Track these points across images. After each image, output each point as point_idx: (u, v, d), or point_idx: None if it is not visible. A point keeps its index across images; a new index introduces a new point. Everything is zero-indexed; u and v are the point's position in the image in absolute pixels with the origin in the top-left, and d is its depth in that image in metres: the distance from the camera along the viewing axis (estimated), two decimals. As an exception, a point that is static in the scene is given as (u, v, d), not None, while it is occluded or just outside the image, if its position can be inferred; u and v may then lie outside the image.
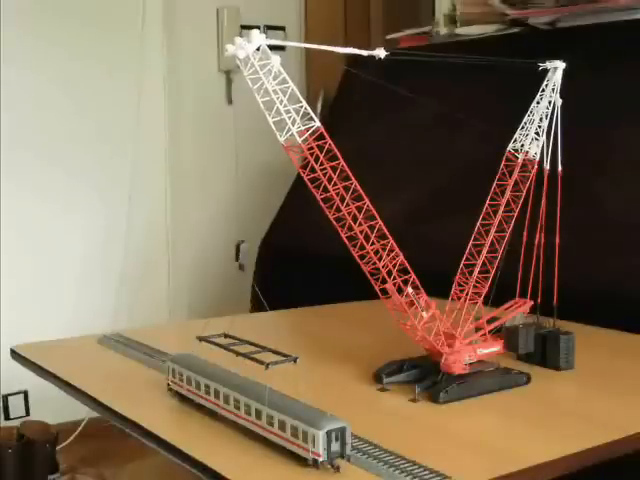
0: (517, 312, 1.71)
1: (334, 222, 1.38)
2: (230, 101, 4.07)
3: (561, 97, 1.66)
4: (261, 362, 1.36)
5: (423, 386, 1.53)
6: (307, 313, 2.40)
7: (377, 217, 1.39)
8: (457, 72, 2.50)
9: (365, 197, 1.38)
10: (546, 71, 1.66)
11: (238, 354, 1.43)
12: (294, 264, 2.97)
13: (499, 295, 1.67)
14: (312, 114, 1.33)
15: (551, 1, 2.77)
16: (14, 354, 1.90)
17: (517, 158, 1.63)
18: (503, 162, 1.63)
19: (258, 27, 4.02)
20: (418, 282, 1.45)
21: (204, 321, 2.36)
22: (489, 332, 1.62)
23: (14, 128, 3.60)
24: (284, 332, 2.25)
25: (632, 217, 2.23)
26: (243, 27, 4.03)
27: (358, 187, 1.37)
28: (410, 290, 1.43)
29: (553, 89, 1.65)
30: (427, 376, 1.56)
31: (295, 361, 1.39)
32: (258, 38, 1.31)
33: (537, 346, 1.71)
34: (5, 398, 3.57)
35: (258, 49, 1.32)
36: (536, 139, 1.65)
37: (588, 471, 1.29)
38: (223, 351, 1.49)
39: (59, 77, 3.71)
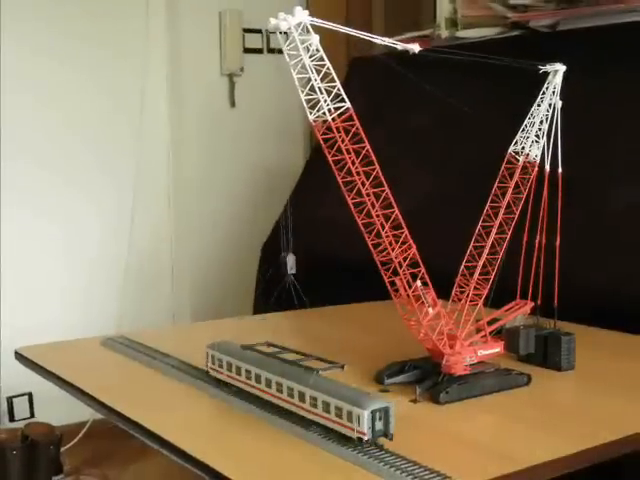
0: (518, 313, 1.72)
1: (352, 207, 1.39)
2: (233, 104, 4.08)
3: (561, 99, 1.67)
4: (311, 369, 1.40)
5: (424, 387, 1.54)
6: (309, 315, 2.41)
7: (394, 206, 1.40)
8: (458, 74, 2.51)
9: (385, 184, 1.39)
10: (547, 74, 1.67)
11: (286, 362, 1.46)
12: (296, 266, 2.97)
13: (500, 297, 1.68)
14: (344, 95, 1.35)
15: (551, 4, 2.78)
16: (18, 356, 1.91)
17: (518, 160, 1.63)
18: (504, 164, 1.64)
19: (260, 31, 4.04)
20: (427, 278, 1.46)
21: (208, 323, 2.37)
22: (490, 333, 1.63)
23: (16, 133, 3.61)
24: (286, 333, 2.25)
25: (631, 218, 2.24)
26: (245, 30, 4.04)
27: (380, 174, 1.38)
28: (419, 284, 1.44)
29: (554, 92, 1.66)
30: (428, 377, 1.56)
31: (342, 368, 1.43)
32: (301, 14, 1.33)
33: (538, 347, 1.71)
34: (10, 400, 3.58)
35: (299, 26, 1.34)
36: (536, 141, 1.66)
37: (588, 471, 1.30)
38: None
39: (63, 80, 3.72)
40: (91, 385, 1.66)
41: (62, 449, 3.21)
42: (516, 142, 1.65)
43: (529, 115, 1.66)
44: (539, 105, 1.66)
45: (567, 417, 1.48)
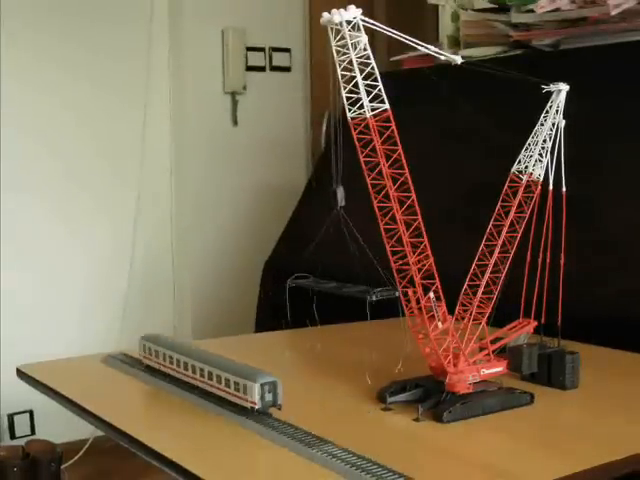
0: (521, 332, 1.72)
1: (377, 211, 1.40)
2: (235, 122, 4.09)
3: (564, 118, 1.67)
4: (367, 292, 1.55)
5: (426, 405, 1.53)
6: (311, 333, 2.40)
7: (419, 214, 1.40)
8: (461, 94, 2.51)
9: (413, 191, 1.40)
10: (550, 93, 1.67)
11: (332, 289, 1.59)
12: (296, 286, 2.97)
13: (504, 315, 1.67)
14: (384, 96, 1.39)
15: (554, 23, 2.78)
16: (20, 373, 1.90)
17: (521, 179, 1.63)
18: (507, 183, 1.64)
19: (263, 49, 4.05)
20: (441, 291, 1.46)
21: (208, 341, 2.37)
22: (493, 352, 1.62)
23: (18, 151, 3.62)
24: (289, 351, 2.25)
25: (634, 236, 2.24)
26: (248, 49, 4.05)
27: (409, 179, 1.40)
28: (432, 295, 1.44)
29: (557, 111, 1.66)
30: (431, 396, 1.56)
31: (395, 294, 1.46)
32: (354, 11, 1.37)
33: (542, 366, 1.71)
34: (10, 417, 3.58)
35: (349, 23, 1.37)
36: (540, 160, 1.66)
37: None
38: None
39: (66, 98, 3.74)
40: (92, 402, 1.65)
41: (63, 466, 3.20)
42: (519, 161, 1.65)
43: (532, 134, 1.66)
44: (542, 124, 1.67)
45: (570, 437, 1.47)
